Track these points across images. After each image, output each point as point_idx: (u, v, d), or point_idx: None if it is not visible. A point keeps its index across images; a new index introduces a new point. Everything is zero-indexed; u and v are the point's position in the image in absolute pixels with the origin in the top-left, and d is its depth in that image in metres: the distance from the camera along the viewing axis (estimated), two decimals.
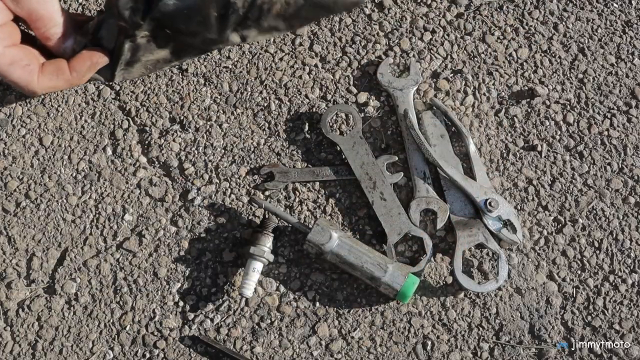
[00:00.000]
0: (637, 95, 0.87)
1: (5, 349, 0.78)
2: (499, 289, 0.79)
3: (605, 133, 0.85)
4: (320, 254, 0.76)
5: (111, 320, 0.78)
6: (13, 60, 0.51)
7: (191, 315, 0.78)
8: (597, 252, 0.81)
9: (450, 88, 0.86)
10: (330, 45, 0.88)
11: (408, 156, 0.82)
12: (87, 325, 0.78)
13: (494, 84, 0.87)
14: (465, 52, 0.88)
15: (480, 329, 0.78)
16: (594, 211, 0.82)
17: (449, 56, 0.88)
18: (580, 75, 0.88)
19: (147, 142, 0.84)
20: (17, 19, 0.52)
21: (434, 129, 0.83)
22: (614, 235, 0.81)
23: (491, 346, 0.78)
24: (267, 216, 0.80)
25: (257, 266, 0.76)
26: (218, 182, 0.83)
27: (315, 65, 0.87)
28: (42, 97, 0.86)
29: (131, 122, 0.85)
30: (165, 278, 0.79)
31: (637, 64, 0.88)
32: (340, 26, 0.89)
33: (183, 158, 0.84)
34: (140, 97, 0.86)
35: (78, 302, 0.79)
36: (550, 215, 0.82)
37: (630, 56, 0.89)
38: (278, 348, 0.78)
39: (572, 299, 0.79)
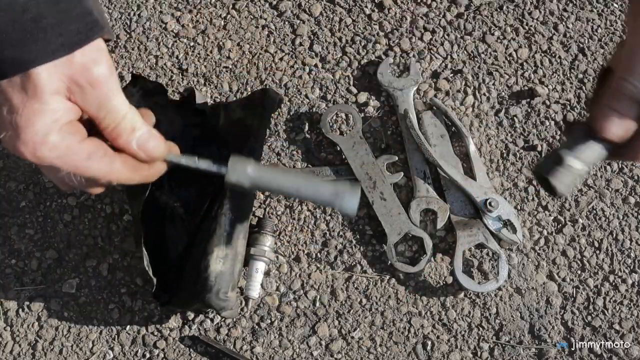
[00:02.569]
0: None
1: (5, 349, 0.77)
2: (499, 289, 0.79)
3: None
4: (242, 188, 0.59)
5: (111, 320, 0.78)
6: (89, 154, 0.51)
7: (191, 315, 0.78)
8: (597, 252, 0.81)
9: (450, 88, 0.86)
10: (330, 45, 0.88)
11: (408, 156, 0.82)
12: (87, 325, 0.78)
13: (494, 84, 0.87)
14: (465, 52, 0.88)
15: (480, 329, 0.78)
16: (594, 211, 0.82)
17: (449, 56, 0.88)
18: (580, 75, 0.88)
19: None
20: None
21: (434, 129, 0.83)
22: (614, 235, 0.81)
23: (491, 346, 0.78)
24: (264, 216, 0.80)
25: (260, 266, 0.76)
26: None
27: (315, 65, 0.87)
28: None
29: None
30: None
31: None
32: (340, 26, 0.89)
33: None
34: None
35: (78, 303, 0.79)
36: (550, 215, 0.82)
37: None
38: (278, 348, 0.78)
39: (572, 299, 0.79)
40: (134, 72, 0.83)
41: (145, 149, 0.52)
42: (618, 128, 0.50)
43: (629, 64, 0.49)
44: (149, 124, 0.56)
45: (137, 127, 0.52)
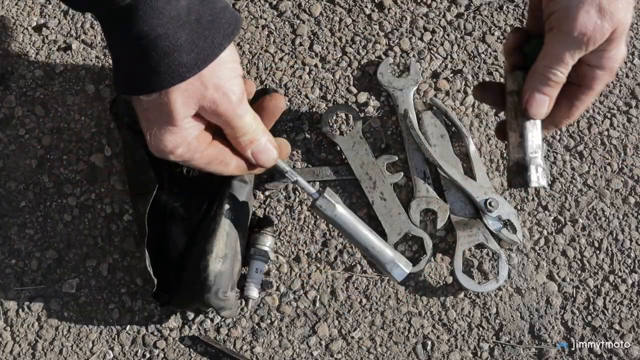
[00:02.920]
0: (637, 95, 0.87)
1: (5, 349, 0.77)
2: (499, 289, 0.79)
3: (605, 133, 0.85)
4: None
5: (111, 320, 0.78)
6: (209, 160, 0.60)
7: (191, 315, 0.78)
8: (597, 252, 0.81)
9: (450, 88, 0.86)
10: (330, 45, 0.88)
11: (408, 156, 0.82)
12: (87, 325, 0.78)
13: None
14: (465, 52, 0.88)
15: (480, 329, 0.78)
16: (594, 211, 0.82)
17: (449, 56, 0.88)
18: None
19: None
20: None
21: (434, 129, 0.83)
22: (614, 235, 0.81)
23: (491, 346, 0.78)
24: (264, 216, 0.81)
25: (260, 266, 0.76)
26: None
27: (315, 65, 0.87)
28: (42, 97, 0.86)
29: None
30: None
31: (637, 64, 0.88)
32: (340, 26, 0.89)
33: None
34: None
35: (78, 303, 0.79)
36: (550, 215, 0.82)
37: (630, 56, 0.89)
38: (278, 348, 0.78)
39: (572, 299, 0.79)
40: None
41: (257, 158, 0.61)
42: (547, 109, 0.59)
43: (554, 53, 0.56)
44: (279, 111, 0.65)
45: (255, 139, 0.60)
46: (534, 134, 0.60)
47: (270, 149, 0.62)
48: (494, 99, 0.65)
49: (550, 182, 0.83)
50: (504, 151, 0.84)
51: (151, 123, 0.56)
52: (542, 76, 0.57)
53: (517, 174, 0.61)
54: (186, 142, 0.56)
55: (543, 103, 0.59)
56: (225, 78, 0.54)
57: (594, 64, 0.57)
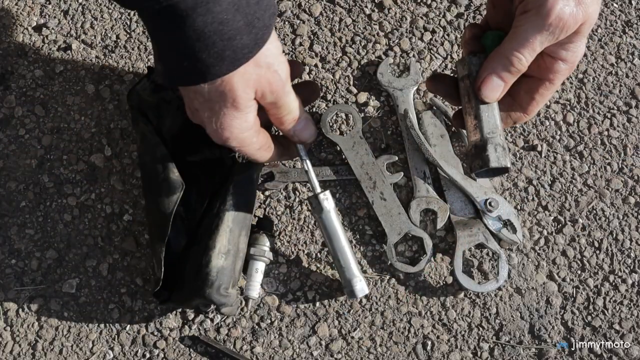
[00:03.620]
0: (637, 95, 0.87)
1: (5, 349, 0.77)
2: (499, 289, 0.79)
3: (605, 133, 0.85)
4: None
5: (111, 320, 0.78)
6: (260, 146, 0.64)
7: (191, 315, 0.78)
8: (597, 252, 0.81)
9: None
10: (330, 45, 0.88)
11: (408, 156, 0.82)
12: (87, 325, 0.78)
13: None
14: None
15: (480, 329, 0.78)
16: (594, 211, 0.82)
17: (449, 56, 0.88)
18: (580, 75, 0.88)
19: None
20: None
21: (434, 129, 0.83)
22: (614, 235, 0.81)
23: (491, 346, 0.78)
24: (264, 216, 0.81)
25: (260, 266, 0.76)
26: None
27: (315, 65, 0.87)
28: (42, 97, 0.86)
29: (130, 123, 0.85)
30: None
31: (637, 64, 0.88)
32: (340, 26, 0.89)
33: None
34: None
35: (78, 303, 0.79)
36: (550, 215, 0.82)
37: (630, 56, 0.89)
38: (278, 348, 0.78)
39: (572, 299, 0.79)
40: (151, 65, 0.83)
41: (300, 135, 0.66)
42: (500, 95, 0.59)
43: (524, 36, 0.55)
44: (314, 97, 0.73)
45: (298, 117, 0.64)
46: (490, 114, 0.59)
47: (310, 126, 0.66)
48: (446, 91, 0.65)
49: (550, 182, 0.83)
50: None
51: (215, 112, 0.57)
52: (505, 59, 0.56)
53: (475, 156, 0.58)
54: (249, 126, 0.60)
55: (498, 87, 0.58)
56: (272, 56, 0.57)
57: (557, 56, 0.56)
